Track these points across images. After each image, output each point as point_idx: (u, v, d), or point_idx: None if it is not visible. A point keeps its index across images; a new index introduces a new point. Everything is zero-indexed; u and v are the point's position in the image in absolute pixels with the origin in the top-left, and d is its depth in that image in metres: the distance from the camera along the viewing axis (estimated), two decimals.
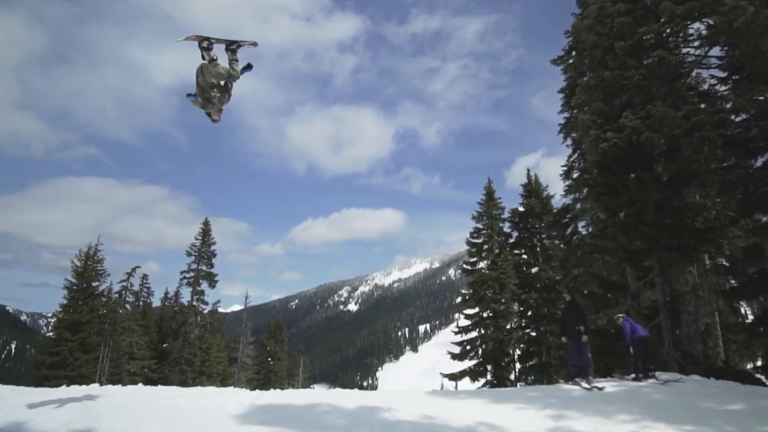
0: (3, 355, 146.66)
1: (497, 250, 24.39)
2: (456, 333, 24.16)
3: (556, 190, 24.16)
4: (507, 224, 24.94)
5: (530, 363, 22.36)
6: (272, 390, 8.29)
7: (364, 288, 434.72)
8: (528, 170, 25.85)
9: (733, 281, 11.29)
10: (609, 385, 7.63)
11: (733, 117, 7.59)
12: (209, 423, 4.75)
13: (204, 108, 6.15)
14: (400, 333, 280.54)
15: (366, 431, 4.69)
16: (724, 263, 11.37)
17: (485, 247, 24.60)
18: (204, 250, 36.25)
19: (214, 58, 5.88)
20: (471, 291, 24.15)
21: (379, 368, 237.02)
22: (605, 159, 8.34)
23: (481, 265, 24.60)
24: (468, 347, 23.45)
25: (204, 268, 35.81)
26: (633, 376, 8.69)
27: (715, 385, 7.32)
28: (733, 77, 9.18)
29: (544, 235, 23.79)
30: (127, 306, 33.22)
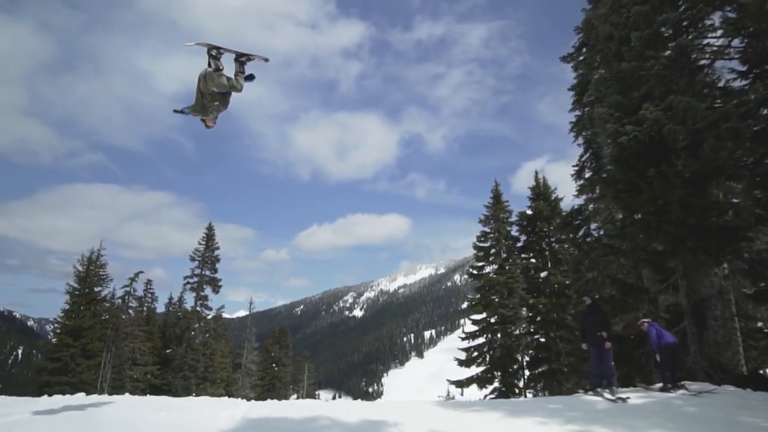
0: (10, 361, 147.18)
1: (505, 254, 23.87)
2: (463, 339, 23.59)
3: (564, 193, 23.72)
4: (515, 228, 24.43)
5: (540, 370, 21.74)
6: (269, 401, 7.85)
7: (370, 294, 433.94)
8: (536, 173, 25.39)
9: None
10: (634, 396, 7.05)
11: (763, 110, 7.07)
12: None
13: (199, 114, 6.02)
14: (405, 339, 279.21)
15: None
16: (743, 266, 10.84)
17: (492, 251, 24.07)
18: (208, 255, 35.95)
19: (220, 67, 5.76)
20: (478, 296, 23.62)
21: (385, 374, 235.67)
22: (624, 153, 7.85)
23: (489, 269, 24.06)
24: (475, 353, 22.88)
25: (208, 273, 35.50)
26: (660, 386, 8.12)
27: (755, 398, 6.74)
28: (755, 70, 8.70)
29: (553, 239, 23.24)
30: (130, 311, 32.93)
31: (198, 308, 34.50)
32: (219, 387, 34.23)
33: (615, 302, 9.58)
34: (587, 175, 13.82)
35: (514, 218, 24.38)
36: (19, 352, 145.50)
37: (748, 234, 7.85)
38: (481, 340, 23.09)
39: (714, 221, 7.86)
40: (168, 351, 33.62)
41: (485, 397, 22.48)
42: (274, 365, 44.15)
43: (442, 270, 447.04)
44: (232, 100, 6.19)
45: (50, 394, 22.68)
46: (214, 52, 5.74)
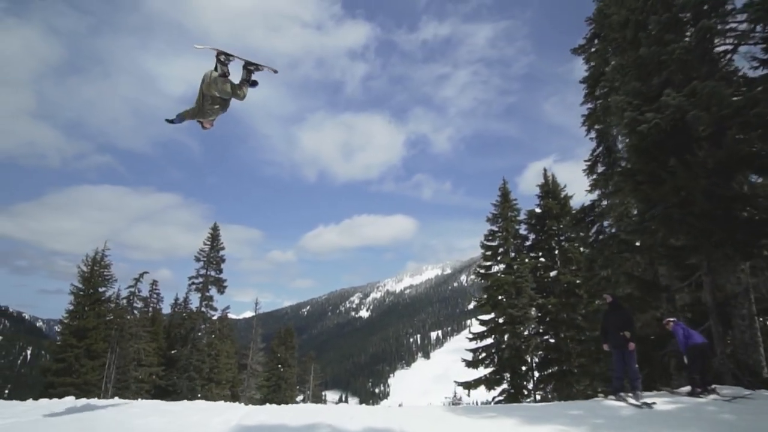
0: (19, 361, 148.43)
1: (513, 254, 23.39)
2: (470, 339, 23.14)
3: (572, 192, 23.26)
4: (523, 226, 23.96)
5: (549, 371, 21.25)
6: (267, 405, 7.47)
7: (376, 294, 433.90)
8: (545, 170, 24.91)
9: None
10: (660, 402, 6.59)
11: None
12: None
13: (196, 117, 5.93)
14: (411, 339, 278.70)
15: None
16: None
17: (501, 250, 23.60)
18: (213, 256, 35.70)
19: (227, 73, 5.66)
20: (486, 296, 23.17)
21: (391, 375, 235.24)
22: (644, 143, 7.41)
23: (497, 269, 23.60)
24: (483, 354, 22.42)
25: (213, 273, 35.24)
26: (688, 390, 7.62)
27: None
28: None
29: (562, 237, 22.76)
30: (135, 312, 32.77)
31: (203, 309, 34.26)
32: (224, 388, 34.00)
33: (633, 301, 9.11)
34: (600, 170, 13.37)
35: (522, 216, 23.92)
36: (28, 352, 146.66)
37: None
38: (488, 340, 22.64)
39: (741, 214, 7.38)
40: (173, 352, 33.42)
41: (494, 399, 22.04)
42: (279, 366, 43.90)
43: (448, 270, 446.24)
44: (234, 103, 6.07)
45: (55, 395, 22.56)
46: (223, 58, 5.63)
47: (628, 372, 7.55)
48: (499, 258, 23.55)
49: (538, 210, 23.65)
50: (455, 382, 23.59)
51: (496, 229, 23.86)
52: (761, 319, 9.99)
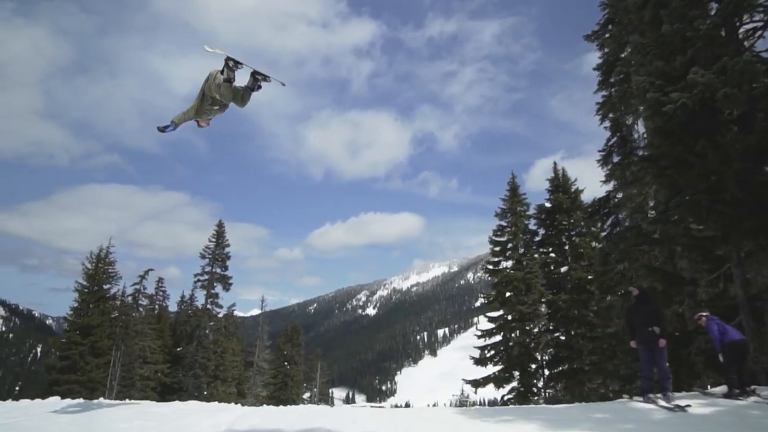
0: (29, 359, 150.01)
1: (522, 249, 22.89)
2: (479, 337, 22.66)
3: (581, 186, 22.72)
4: (533, 221, 23.42)
5: (560, 369, 20.75)
6: (264, 407, 7.09)
7: (383, 292, 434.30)
8: (554, 164, 24.33)
9: None
10: (695, 404, 6.02)
11: None
12: None
13: (193, 118, 5.87)
14: (418, 337, 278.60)
15: None
16: None
17: (509, 245, 23.10)
18: (218, 253, 35.48)
19: (232, 79, 5.57)
20: (495, 292, 22.70)
21: (398, 372, 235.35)
22: (670, 124, 6.89)
23: (505, 264, 23.11)
24: (492, 352, 21.96)
25: (218, 270, 35.03)
26: (724, 391, 7.07)
27: None
28: None
29: (573, 232, 22.21)
30: (141, 309, 32.63)
31: (209, 306, 34.08)
32: (230, 385, 33.83)
33: (654, 295, 8.58)
34: (615, 160, 12.84)
35: (531, 211, 23.39)
36: (38, 350, 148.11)
37: None
38: (497, 338, 22.18)
39: None
40: (179, 349, 33.26)
41: (503, 397, 21.61)
42: (286, 363, 43.70)
43: (455, 268, 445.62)
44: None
45: (59, 393, 22.41)
46: (231, 64, 5.52)
47: (658, 371, 6.99)
48: (508, 254, 23.06)
49: (547, 204, 23.10)
50: (463, 380, 23.17)
51: (505, 224, 23.36)
52: None
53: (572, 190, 22.81)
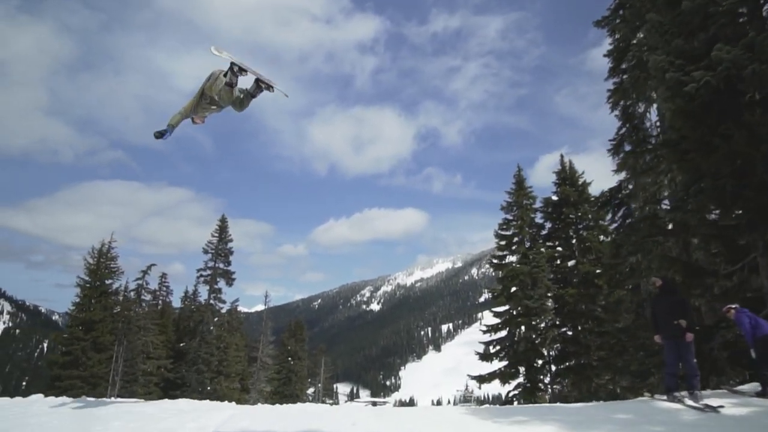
0: (36, 354, 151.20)
1: (529, 243, 22.47)
2: (484, 332, 22.35)
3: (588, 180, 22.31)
4: (539, 215, 22.99)
5: (567, 364, 20.38)
6: (259, 405, 6.76)
7: (387, 288, 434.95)
8: (561, 156, 23.83)
9: None
10: (725, 403, 5.55)
11: None
12: None
13: (189, 116, 5.79)
14: (422, 332, 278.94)
15: None
16: None
17: (515, 239, 22.70)
18: (221, 248, 35.28)
19: (234, 84, 5.54)
20: (500, 287, 22.33)
21: (402, 367, 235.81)
22: (691, 105, 6.48)
23: (511, 259, 22.73)
24: (497, 347, 21.63)
25: (221, 265, 34.84)
26: (758, 389, 6.58)
27: None
28: None
29: (581, 226, 21.78)
30: (143, 305, 32.49)
31: (211, 301, 33.91)
32: (234, 381, 33.70)
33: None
34: (627, 149, 12.40)
35: (538, 205, 22.96)
36: (45, 345, 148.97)
37: None
38: (503, 333, 21.85)
39: None
40: (182, 345, 33.14)
41: (508, 393, 21.29)
42: (290, 359, 43.64)
43: (459, 264, 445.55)
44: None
45: (62, 388, 22.24)
46: (236, 69, 5.46)
47: (684, 368, 6.57)
48: (514, 248, 22.67)
49: (554, 197, 22.67)
50: (468, 375, 22.88)
51: (511, 217, 22.95)
52: None
53: (579, 182, 22.37)
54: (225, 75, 5.45)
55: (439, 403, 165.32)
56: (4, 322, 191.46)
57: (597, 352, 19.24)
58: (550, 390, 20.54)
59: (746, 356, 6.95)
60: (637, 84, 11.43)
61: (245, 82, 5.79)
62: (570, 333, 20.84)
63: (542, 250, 21.90)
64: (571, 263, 21.65)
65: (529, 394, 20.25)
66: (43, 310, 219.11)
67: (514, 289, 21.58)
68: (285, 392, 40.67)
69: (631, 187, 11.95)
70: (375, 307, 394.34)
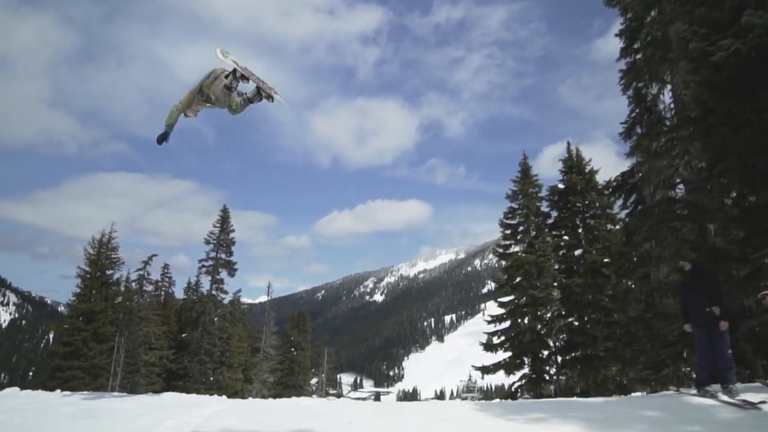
0: (42, 345, 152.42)
1: (534, 232, 22.03)
2: (489, 322, 22.01)
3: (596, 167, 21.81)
4: (545, 203, 22.52)
5: (574, 355, 20.03)
6: (250, 400, 6.40)
7: (390, 279, 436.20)
8: (568, 143, 23.28)
9: None
10: (763, 398, 5.01)
11: None
12: None
13: (184, 110, 5.62)
14: (425, 323, 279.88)
15: None
16: None
17: (521, 228, 22.24)
18: (223, 238, 34.96)
19: (233, 87, 5.39)
20: (505, 277, 21.93)
21: (405, 358, 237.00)
22: (719, 77, 6.00)
23: (516, 248, 22.30)
24: (502, 338, 21.30)
25: (223, 256, 34.55)
26: None
27: None
28: None
29: (588, 214, 21.30)
30: (145, 296, 32.30)
31: (213, 292, 33.70)
32: (237, 371, 33.60)
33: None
34: (639, 132, 11.89)
35: (544, 193, 22.48)
36: (50, 336, 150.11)
37: None
38: (507, 323, 21.51)
39: None
40: (184, 335, 33.00)
41: (513, 384, 20.99)
42: (293, 349, 43.52)
43: (462, 255, 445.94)
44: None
45: (62, 379, 22.07)
46: (239, 74, 5.31)
47: (718, 360, 5.99)
48: (519, 237, 22.23)
49: (561, 186, 22.18)
50: (473, 366, 22.59)
51: (516, 206, 22.47)
52: None
53: (587, 170, 21.86)
54: (226, 77, 5.31)
55: (442, 393, 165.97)
56: (10, 313, 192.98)
57: (604, 342, 18.87)
58: (556, 380, 20.21)
59: None
60: (651, 63, 10.90)
61: (246, 85, 5.61)
62: (576, 323, 20.46)
63: (548, 239, 21.47)
64: (577, 252, 21.20)
65: (535, 385, 19.94)
66: (48, 301, 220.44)
67: (519, 278, 21.20)
68: (288, 383, 40.62)
69: (644, 170, 11.44)
70: (378, 298, 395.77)
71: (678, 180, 10.84)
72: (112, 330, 26.17)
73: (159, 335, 30.12)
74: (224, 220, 35.60)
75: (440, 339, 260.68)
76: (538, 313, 20.52)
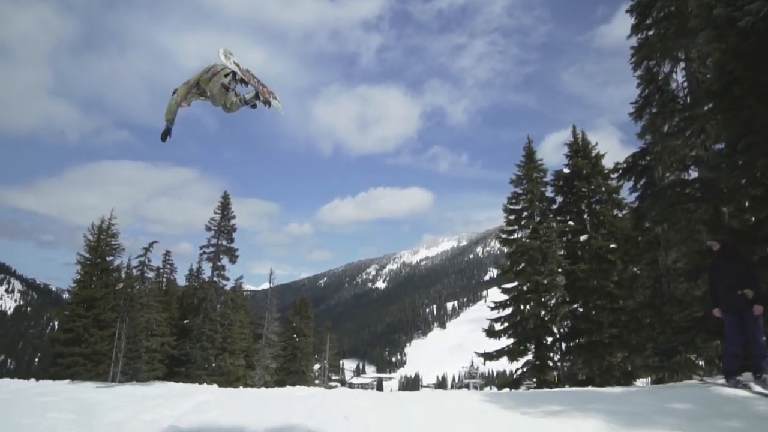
0: (47, 331, 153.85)
1: (539, 217, 21.66)
2: (492, 308, 21.76)
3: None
4: (550, 188, 22.11)
5: (578, 341, 19.81)
6: (241, 390, 6.10)
7: (392, 266, 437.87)
8: (574, 127, 22.81)
9: None
10: None
11: None
12: None
13: (181, 102, 5.51)
14: (427, 310, 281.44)
15: None
16: None
17: (525, 213, 21.87)
18: (224, 225, 34.68)
19: (231, 88, 5.35)
20: (509, 262, 21.63)
21: (408, 344, 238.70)
22: (747, 43, 5.56)
23: (520, 234, 21.95)
24: (505, 324, 21.08)
25: (224, 242, 34.31)
26: None
27: None
28: None
29: (594, 199, 20.91)
30: (146, 282, 32.18)
31: (215, 278, 33.54)
32: (239, 357, 33.61)
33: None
34: (651, 111, 11.43)
35: (549, 178, 22.06)
36: (55, 324, 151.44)
37: None
38: (511, 310, 21.26)
39: None
40: (185, 322, 32.95)
41: (516, 370, 20.82)
42: (295, 336, 43.61)
43: (464, 242, 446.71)
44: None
45: (64, 365, 22.01)
46: (239, 77, 5.29)
47: (751, 347, 5.54)
48: (523, 222, 21.86)
49: (566, 170, 21.76)
50: (476, 353, 22.42)
51: (521, 191, 22.07)
52: None
53: (593, 154, 21.41)
54: (226, 75, 5.21)
55: (443, 378, 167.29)
56: (15, 300, 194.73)
57: (609, 329, 18.62)
58: (560, 368, 20.04)
59: None
60: (664, 39, 10.40)
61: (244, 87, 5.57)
62: (581, 310, 20.20)
63: (553, 224, 21.11)
64: (583, 238, 20.86)
65: (538, 371, 19.78)
66: (53, 289, 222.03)
67: (523, 264, 20.90)
68: (291, 368, 40.77)
69: (657, 151, 10.98)
70: (380, 285, 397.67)
71: (690, 162, 10.42)
72: (113, 316, 26.06)
73: (160, 322, 30.02)
74: (225, 206, 35.30)
75: (442, 326, 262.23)
76: (542, 299, 20.26)
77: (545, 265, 20.17)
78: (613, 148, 21.87)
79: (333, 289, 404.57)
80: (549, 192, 22.13)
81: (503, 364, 22.59)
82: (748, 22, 5.26)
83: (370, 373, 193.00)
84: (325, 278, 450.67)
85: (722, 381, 5.71)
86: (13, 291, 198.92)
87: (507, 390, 9.87)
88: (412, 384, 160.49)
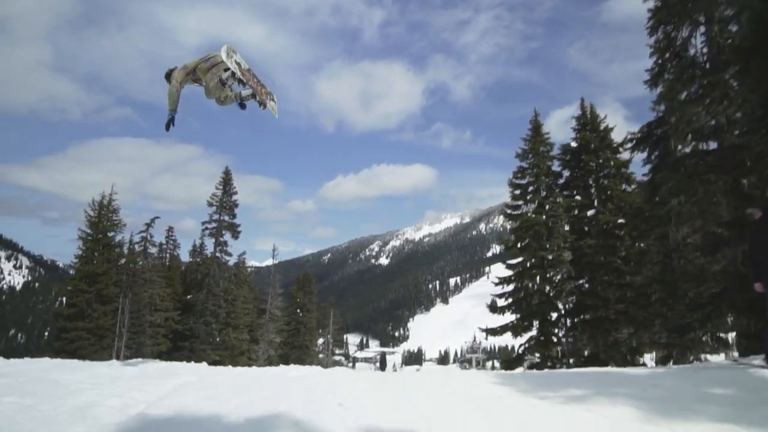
0: (56, 307, 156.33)
1: (545, 192, 21.18)
2: (496, 284, 21.50)
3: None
4: (556, 163, 21.53)
5: (584, 317, 19.59)
6: (230, 369, 5.72)
7: (395, 242, 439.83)
8: (582, 100, 21.99)
9: None
10: None
11: None
12: None
13: (178, 88, 5.52)
14: (430, 286, 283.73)
15: None
16: None
17: (531, 188, 21.37)
18: (225, 200, 34.48)
19: (227, 83, 5.46)
20: (514, 237, 21.27)
21: (411, 319, 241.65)
22: None
23: (526, 209, 21.51)
24: (509, 300, 20.86)
25: (226, 218, 34.19)
26: None
27: None
28: None
29: (602, 174, 20.36)
30: (148, 258, 32.16)
31: (217, 254, 33.50)
32: (242, 332, 33.86)
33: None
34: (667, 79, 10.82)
35: (555, 152, 21.46)
36: (63, 299, 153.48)
37: None
38: (514, 285, 21.02)
39: None
40: (189, 297, 33.07)
41: (520, 346, 20.73)
42: (299, 311, 43.92)
43: (467, 219, 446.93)
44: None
45: (68, 340, 22.07)
46: (238, 76, 5.34)
47: None
48: (529, 197, 21.38)
49: (573, 144, 21.13)
50: (479, 328, 22.30)
51: (526, 165, 21.49)
52: None
53: (601, 128, 20.74)
54: (225, 70, 5.28)
55: (446, 353, 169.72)
56: (23, 276, 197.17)
57: (616, 305, 18.38)
58: (565, 344, 19.90)
59: None
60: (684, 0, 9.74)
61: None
62: (587, 285, 19.91)
63: (559, 199, 20.64)
64: (590, 213, 20.42)
65: (543, 347, 19.63)
66: (60, 265, 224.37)
67: (528, 240, 20.54)
68: (294, 343, 41.17)
69: (675, 119, 10.43)
70: (384, 261, 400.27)
71: (708, 132, 9.87)
72: (116, 291, 26.08)
73: (164, 297, 30.12)
74: (226, 182, 35.01)
75: (445, 301, 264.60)
76: (548, 275, 19.97)
77: (551, 241, 19.79)
78: (619, 125, 21.14)
79: (336, 265, 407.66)
80: (555, 166, 21.56)
81: (506, 340, 22.53)
82: None
83: (374, 347, 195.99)
84: (329, 254, 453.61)
85: (759, 362, 5.29)
86: (21, 267, 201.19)
87: (520, 370, 9.59)
88: (415, 358, 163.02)
